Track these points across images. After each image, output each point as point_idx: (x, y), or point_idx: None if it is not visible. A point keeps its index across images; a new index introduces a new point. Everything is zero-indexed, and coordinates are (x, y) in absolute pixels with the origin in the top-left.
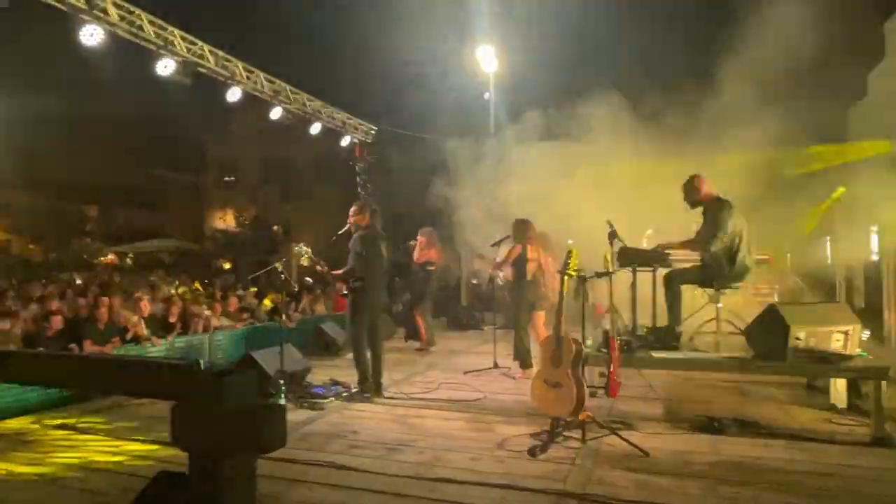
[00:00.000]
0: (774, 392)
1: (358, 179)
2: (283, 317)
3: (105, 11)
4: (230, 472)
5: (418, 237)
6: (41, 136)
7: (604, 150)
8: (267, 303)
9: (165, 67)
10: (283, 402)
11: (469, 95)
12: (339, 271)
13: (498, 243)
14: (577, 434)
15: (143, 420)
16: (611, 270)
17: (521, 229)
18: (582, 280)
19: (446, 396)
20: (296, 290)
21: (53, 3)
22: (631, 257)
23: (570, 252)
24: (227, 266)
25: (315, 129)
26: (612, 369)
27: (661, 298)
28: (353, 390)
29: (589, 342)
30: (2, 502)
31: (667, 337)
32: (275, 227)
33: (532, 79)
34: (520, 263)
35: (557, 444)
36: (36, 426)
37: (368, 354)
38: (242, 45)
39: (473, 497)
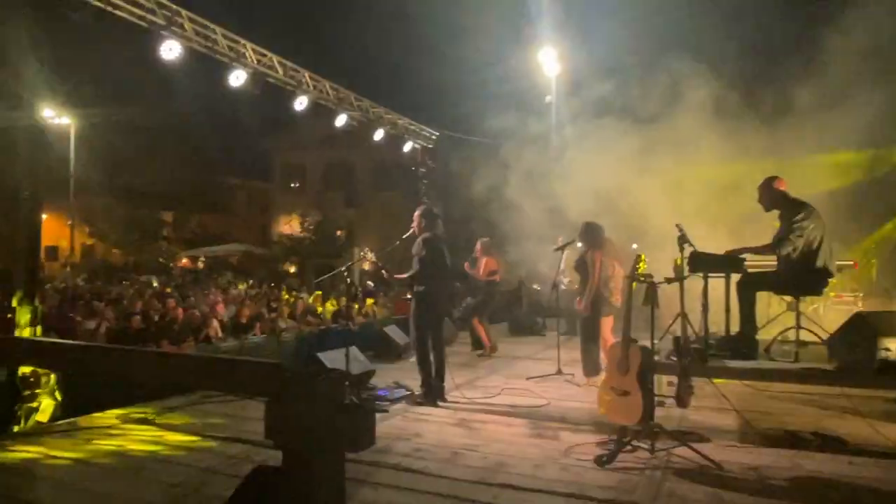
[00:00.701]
0: (859, 406)
1: (419, 185)
2: (347, 320)
3: (182, 27)
4: (321, 468)
5: (477, 247)
6: (123, 147)
7: (674, 152)
8: (329, 306)
9: (237, 79)
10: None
11: (531, 99)
12: (403, 275)
13: (562, 248)
14: (646, 444)
15: (221, 417)
16: (681, 276)
17: (590, 233)
18: (651, 286)
19: (509, 402)
20: (359, 293)
21: (136, 20)
22: (702, 262)
23: (638, 257)
24: (292, 270)
25: (378, 135)
26: (681, 378)
27: (736, 305)
28: (417, 393)
29: (658, 349)
30: (87, 491)
31: (742, 345)
32: (338, 232)
33: (597, 80)
34: (587, 268)
35: (625, 453)
36: (119, 421)
37: (431, 358)
38: (308, 55)
39: None
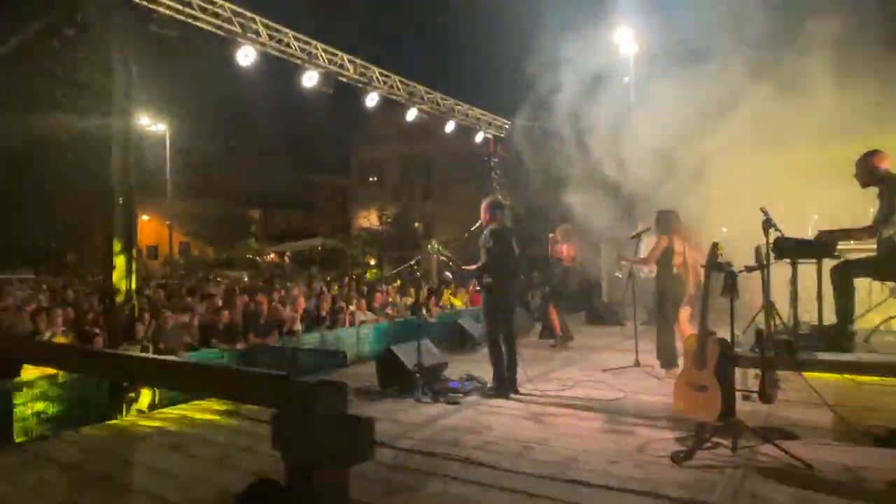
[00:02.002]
0: None
1: (493, 174)
2: (424, 311)
3: (257, 33)
4: (321, 481)
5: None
6: (212, 150)
7: (759, 131)
8: (407, 298)
9: (310, 79)
10: (424, 398)
11: (606, 80)
12: (471, 267)
13: (637, 235)
14: (727, 441)
15: None
16: (764, 264)
17: (666, 220)
18: (730, 275)
19: (583, 395)
20: (435, 286)
21: (214, 30)
22: (789, 248)
23: (714, 245)
24: (371, 262)
25: (449, 127)
26: (765, 372)
27: (829, 293)
28: (489, 386)
29: (739, 341)
30: (172, 475)
31: (837, 336)
32: (416, 224)
33: (675, 57)
34: (664, 257)
35: (704, 451)
36: (207, 411)
37: (503, 350)
38: (376, 51)
39: (610, 502)
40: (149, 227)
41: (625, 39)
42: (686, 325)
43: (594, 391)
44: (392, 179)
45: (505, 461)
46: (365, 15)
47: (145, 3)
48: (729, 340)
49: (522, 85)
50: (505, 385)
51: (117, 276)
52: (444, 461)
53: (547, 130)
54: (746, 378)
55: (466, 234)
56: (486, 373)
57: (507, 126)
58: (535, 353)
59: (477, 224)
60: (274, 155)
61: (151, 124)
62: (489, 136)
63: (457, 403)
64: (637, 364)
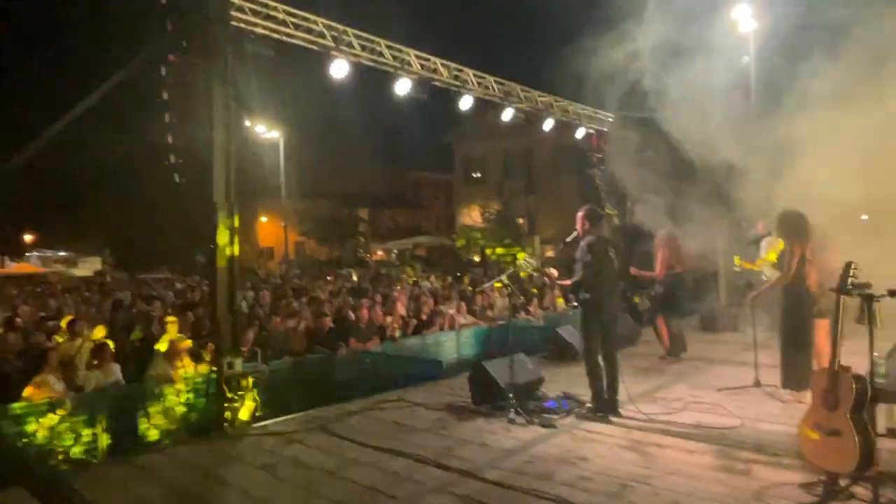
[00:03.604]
0: None
1: (595, 171)
2: (524, 314)
3: (350, 45)
4: None
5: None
6: (322, 155)
7: None
8: (508, 300)
9: (403, 87)
10: (516, 419)
11: (721, 63)
12: (567, 281)
13: (757, 241)
14: (866, 490)
15: (391, 426)
16: None
17: (792, 224)
18: (868, 299)
19: (694, 420)
20: (520, 300)
21: (308, 45)
22: None
23: (847, 265)
24: (476, 259)
25: (548, 125)
26: None
27: None
28: (587, 407)
29: (881, 373)
30: (256, 498)
31: None
32: (519, 220)
33: (805, 33)
34: (789, 264)
35: (838, 503)
36: (301, 426)
37: (603, 369)
38: (471, 52)
39: None
40: (266, 228)
41: (743, 15)
42: (824, 341)
43: (706, 416)
44: (495, 175)
45: (599, 501)
46: (461, 16)
47: (242, 25)
48: (865, 377)
49: (626, 73)
50: (604, 407)
51: (221, 286)
52: (534, 498)
53: (655, 122)
54: (892, 415)
55: (562, 245)
56: (586, 389)
57: (610, 120)
58: (640, 366)
59: (572, 235)
60: (380, 155)
61: (266, 132)
62: (591, 131)
63: (552, 426)
64: (757, 384)
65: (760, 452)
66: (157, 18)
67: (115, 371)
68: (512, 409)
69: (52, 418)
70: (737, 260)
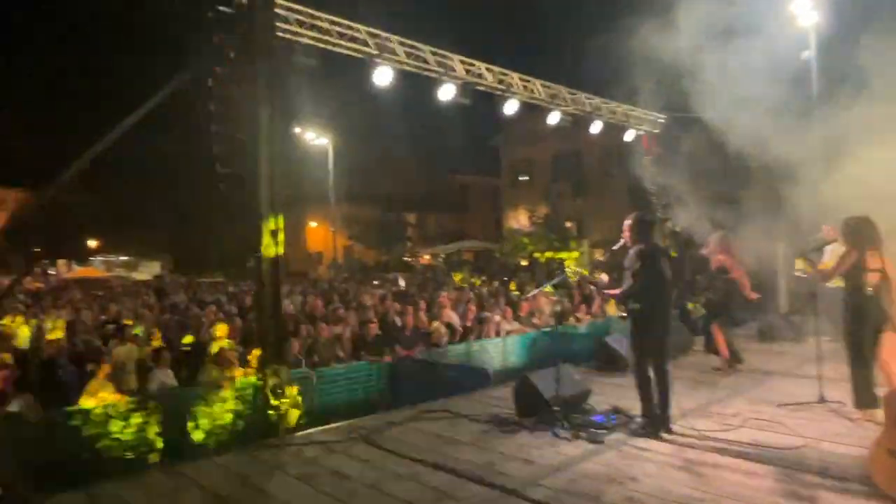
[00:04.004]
0: None
1: (646, 173)
2: (571, 320)
3: (394, 52)
4: None
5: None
6: (369, 160)
7: None
8: (554, 306)
9: (446, 93)
10: (562, 433)
11: (780, 59)
12: (613, 291)
13: (822, 246)
14: None
15: (433, 438)
16: None
17: (858, 230)
18: None
19: (751, 439)
20: (567, 308)
21: (352, 54)
22: None
23: None
24: (524, 263)
25: (595, 127)
26: None
27: None
28: (637, 422)
29: None
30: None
31: None
32: (567, 224)
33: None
34: (855, 274)
35: None
36: (344, 436)
37: (654, 383)
38: (516, 55)
39: None
40: (316, 232)
41: (803, 8)
42: (891, 359)
43: (765, 434)
44: (543, 178)
45: None
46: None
47: (288, 36)
48: None
49: (678, 70)
50: (655, 423)
51: (265, 295)
52: None
53: (708, 121)
54: None
55: (608, 254)
56: (635, 402)
57: (661, 121)
58: (694, 378)
59: (620, 243)
60: (427, 159)
61: (315, 138)
62: (641, 132)
63: (599, 442)
64: (822, 399)
65: (826, 476)
66: (205, 31)
67: (168, 376)
68: (558, 423)
69: (107, 423)
70: (800, 262)
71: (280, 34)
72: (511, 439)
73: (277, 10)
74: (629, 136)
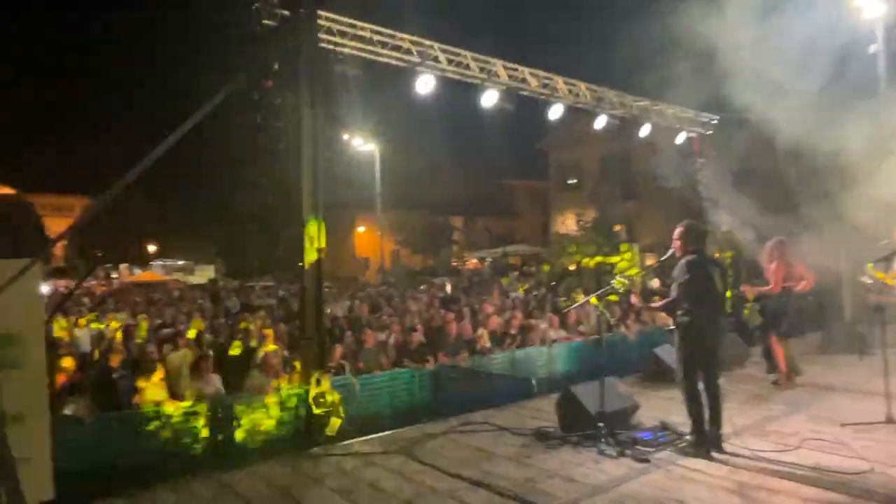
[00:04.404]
0: None
1: (698, 176)
2: (623, 328)
3: (436, 59)
4: None
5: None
6: (416, 164)
7: None
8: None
9: (489, 99)
10: (607, 450)
11: (844, 53)
12: (658, 303)
13: (889, 258)
14: None
15: (472, 452)
16: None
17: None
18: None
19: (811, 462)
20: (615, 320)
21: (395, 62)
22: None
23: None
24: (571, 268)
25: (644, 130)
26: None
27: None
28: (686, 439)
29: None
30: None
31: None
32: (616, 228)
33: None
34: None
35: None
36: (383, 447)
37: (704, 399)
38: (563, 59)
39: None
40: (364, 238)
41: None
42: None
43: (827, 457)
44: (591, 180)
45: None
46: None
47: (332, 47)
48: None
49: (732, 70)
50: (706, 442)
51: (308, 304)
52: None
53: (765, 122)
54: None
55: (657, 264)
56: (685, 418)
57: (714, 122)
58: (749, 392)
59: (669, 252)
60: (473, 162)
61: (362, 144)
62: (692, 134)
63: (646, 461)
64: (890, 419)
65: None
66: (252, 43)
67: (215, 381)
68: (602, 440)
69: (158, 427)
70: (869, 267)
71: (323, 45)
72: (553, 455)
73: (321, 22)
74: (679, 138)
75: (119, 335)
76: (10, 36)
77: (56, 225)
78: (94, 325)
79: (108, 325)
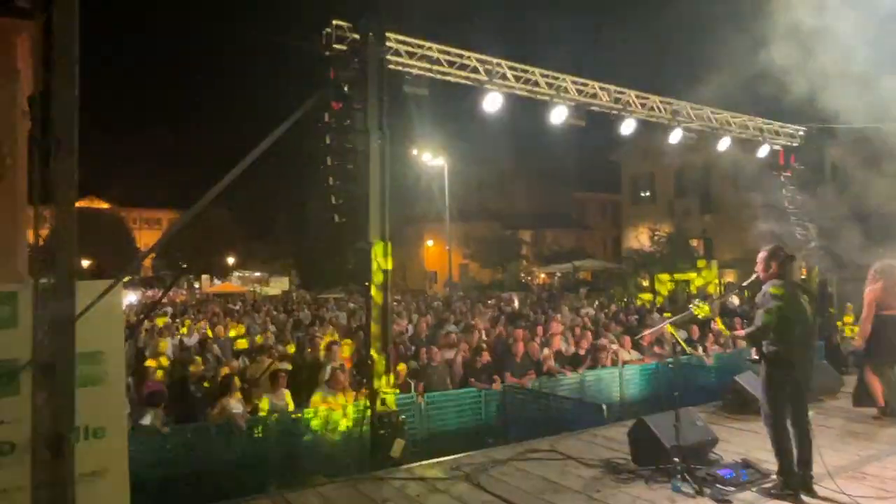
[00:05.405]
0: None
1: (784, 191)
2: (700, 351)
3: (504, 77)
4: None
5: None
6: (485, 178)
7: None
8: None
9: (558, 115)
10: (683, 487)
11: None
12: (742, 332)
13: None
14: None
15: (538, 482)
16: None
17: None
18: None
19: None
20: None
21: (462, 81)
22: None
23: None
24: (645, 284)
25: (724, 144)
26: None
27: None
28: (772, 479)
29: None
30: None
31: None
32: (693, 243)
33: None
34: None
35: None
36: (446, 472)
37: (792, 435)
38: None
39: None
40: (432, 252)
41: None
42: None
43: None
44: (666, 194)
45: None
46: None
47: (399, 68)
48: None
49: (820, 80)
50: (794, 483)
51: (375, 323)
52: None
53: (860, 133)
54: None
55: (737, 290)
56: (770, 454)
57: (800, 133)
58: (844, 428)
59: (752, 278)
60: (544, 175)
61: (432, 159)
62: (777, 147)
63: (726, 501)
64: None
65: None
66: (323, 66)
67: (285, 397)
68: (678, 476)
69: (229, 441)
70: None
71: (391, 66)
72: (624, 490)
73: (389, 44)
74: (762, 151)
75: (196, 345)
76: (105, 61)
77: (146, 237)
78: (178, 333)
79: (188, 335)
